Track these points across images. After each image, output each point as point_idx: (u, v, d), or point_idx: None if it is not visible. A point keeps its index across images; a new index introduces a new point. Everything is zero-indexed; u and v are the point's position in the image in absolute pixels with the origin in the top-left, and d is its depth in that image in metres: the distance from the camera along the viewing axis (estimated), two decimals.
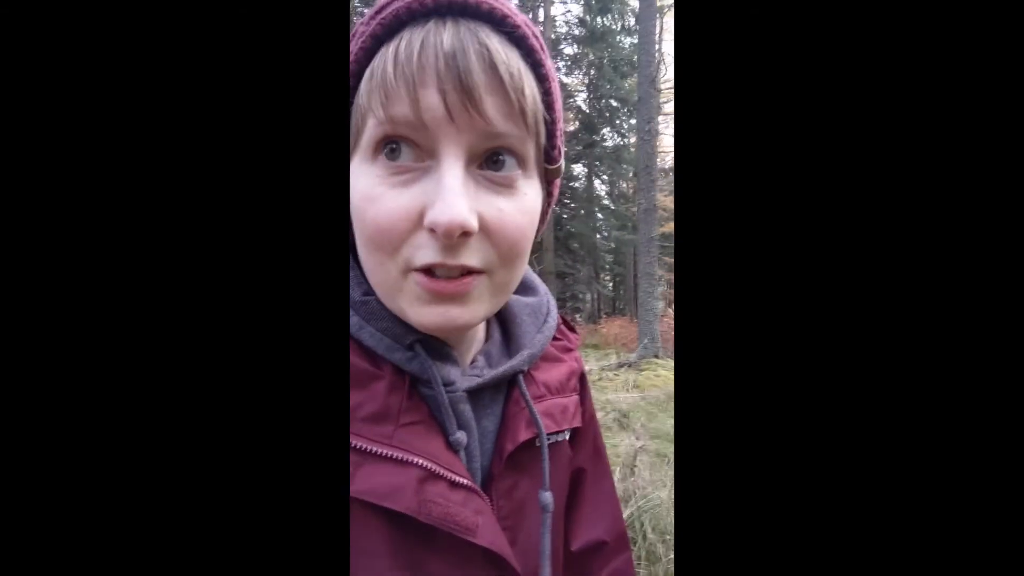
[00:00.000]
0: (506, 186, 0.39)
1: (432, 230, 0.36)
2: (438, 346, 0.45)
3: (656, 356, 6.56)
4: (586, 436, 0.59)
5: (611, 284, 19.03)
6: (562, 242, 13.94)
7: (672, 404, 4.12)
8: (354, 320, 0.44)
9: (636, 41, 13.76)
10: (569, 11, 14.29)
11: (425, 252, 0.37)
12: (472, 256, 0.38)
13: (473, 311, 0.40)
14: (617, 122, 14.77)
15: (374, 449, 0.40)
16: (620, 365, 6.45)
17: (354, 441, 0.40)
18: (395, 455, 0.40)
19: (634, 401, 4.39)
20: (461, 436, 0.44)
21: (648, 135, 6.64)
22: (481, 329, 0.51)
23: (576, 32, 14.15)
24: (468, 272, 0.39)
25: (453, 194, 0.35)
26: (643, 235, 6.77)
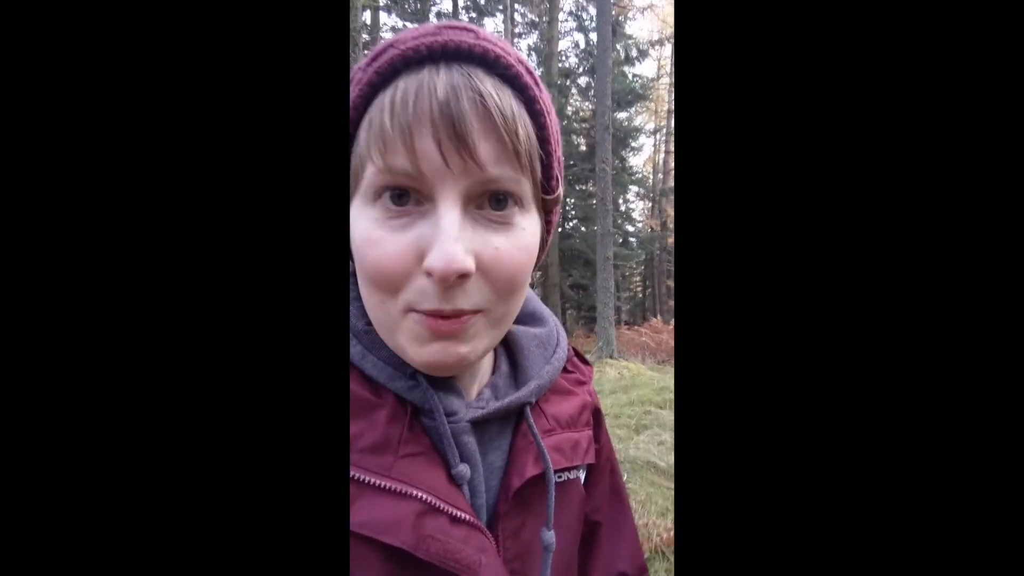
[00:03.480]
0: (503, 223, 0.40)
1: (430, 274, 0.37)
2: (441, 377, 0.45)
3: (611, 357, 7.90)
4: (602, 474, 0.58)
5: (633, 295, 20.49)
6: (579, 255, 15.25)
7: None
8: (357, 349, 0.44)
9: (637, 71, 15.12)
10: (576, 44, 15.78)
11: (424, 297, 0.38)
12: (468, 299, 0.39)
13: (472, 346, 0.41)
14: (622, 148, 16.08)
15: (372, 480, 0.40)
16: None
17: (352, 472, 0.40)
18: (394, 487, 0.40)
19: None
20: (464, 469, 0.43)
21: (604, 173, 8.04)
22: (488, 362, 0.51)
23: (584, 65, 15.59)
24: (463, 312, 0.39)
25: (449, 239, 0.36)
26: (600, 255, 8.15)
